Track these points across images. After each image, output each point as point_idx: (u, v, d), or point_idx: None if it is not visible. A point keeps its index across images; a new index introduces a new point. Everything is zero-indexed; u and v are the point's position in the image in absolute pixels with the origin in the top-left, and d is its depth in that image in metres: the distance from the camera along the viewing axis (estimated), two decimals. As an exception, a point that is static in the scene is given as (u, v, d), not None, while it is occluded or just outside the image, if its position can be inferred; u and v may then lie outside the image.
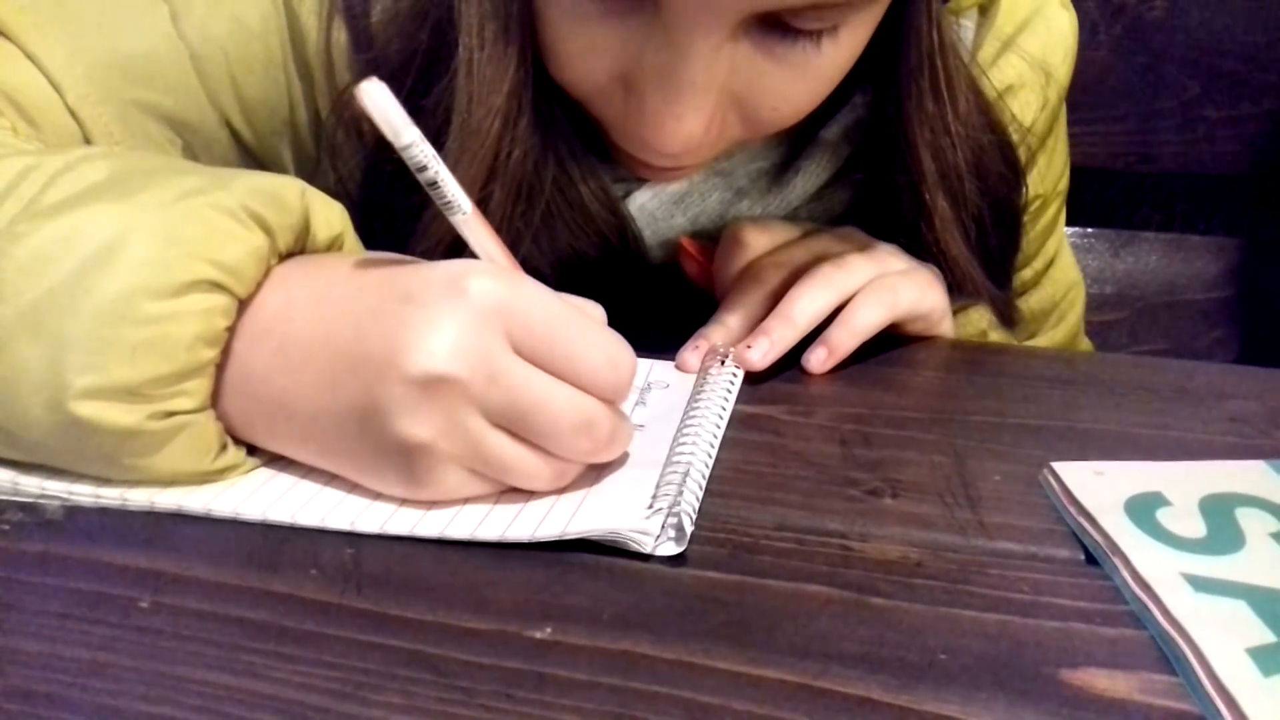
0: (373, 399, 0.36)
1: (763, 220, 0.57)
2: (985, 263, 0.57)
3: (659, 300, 0.58)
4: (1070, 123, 0.68)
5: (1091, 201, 0.99)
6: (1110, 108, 0.95)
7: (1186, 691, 0.31)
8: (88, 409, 0.36)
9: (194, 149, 0.53)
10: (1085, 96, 0.93)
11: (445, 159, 0.38)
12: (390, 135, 0.36)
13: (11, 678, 0.31)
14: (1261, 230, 0.99)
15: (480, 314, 0.36)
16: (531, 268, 0.38)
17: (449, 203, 0.38)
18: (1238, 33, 0.92)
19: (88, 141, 0.50)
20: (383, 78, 0.36)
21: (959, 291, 0.57)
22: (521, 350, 0.37)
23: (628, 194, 0.56)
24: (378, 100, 0.36)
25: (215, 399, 0.38)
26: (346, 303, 0.38)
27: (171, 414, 0.37)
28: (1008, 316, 0.61)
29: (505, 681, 0.31)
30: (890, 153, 0.54)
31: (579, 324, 0.38)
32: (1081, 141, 0.94)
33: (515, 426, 0.37)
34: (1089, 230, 1.00)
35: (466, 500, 0.38)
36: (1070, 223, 0.77)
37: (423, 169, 0.37)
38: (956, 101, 0.52)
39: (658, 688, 0.31)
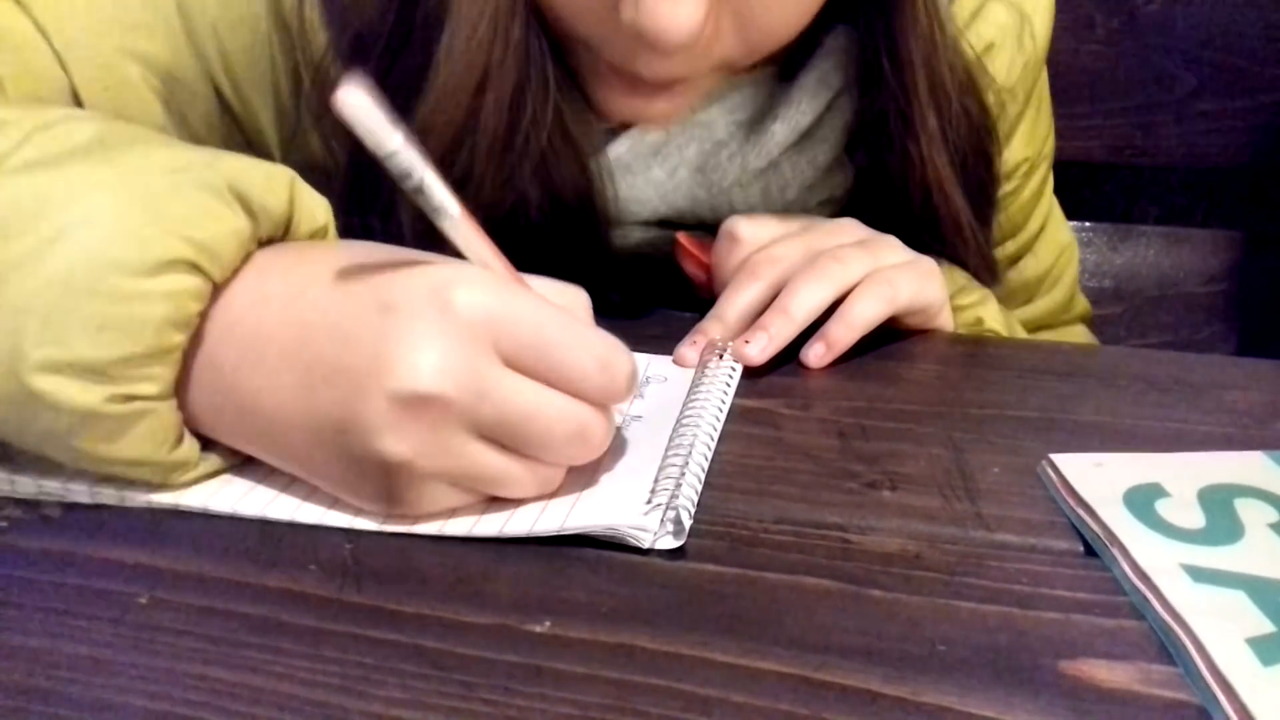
0: (352, 413, 0.35)
1: (759, 215, 0.57)
2: (968, 194, 0.58)
3: (655, 295, 0.58)
4: (1068, 116, 0.68)
5: (1089, 195, 0.99)
6: (1108, 101, 0.95)
7: (1186, 682, 0.31)
8: (46, 383, 0.34)
9: (178, 103, 0.52)
10: (1083, 90, 0.93)
11: (428, 93, 0.36)
12: (372, 146, 0.34)
13: (11, 674, 0.31)
14: (1259, 223, 0.99)
15: (467, 329, 0.35)
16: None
17: (436, 208, 0.36)
18: (1235, 26, 0.92)
19: (73, 89, 0.49)
20: (349, 43, 0.34)
21: (944, 230, 0.58)
22: (510, 361, 0.36)
23: (606, 145, 0.55)
24: (357, 110, 0.33)
25: (179, 388, 0.37)
26: (323, 305, 0.36)
27: (132, 398, 0.35)
28: (990, 268, 0.61)
29: (504, 675, 0.31)
30: (875, 81, 0.55)
31: (569, 329, 0.36)
32: (1079, 135, 0.94)
33: (505, 439, 0.36)
34: (1087, 224, 1.00)
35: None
36: (1068, 216, 0.77)
37: (407, 176, 0.35)
38: (944, 25, 0.54)
39: (657, 680, 0.31)
